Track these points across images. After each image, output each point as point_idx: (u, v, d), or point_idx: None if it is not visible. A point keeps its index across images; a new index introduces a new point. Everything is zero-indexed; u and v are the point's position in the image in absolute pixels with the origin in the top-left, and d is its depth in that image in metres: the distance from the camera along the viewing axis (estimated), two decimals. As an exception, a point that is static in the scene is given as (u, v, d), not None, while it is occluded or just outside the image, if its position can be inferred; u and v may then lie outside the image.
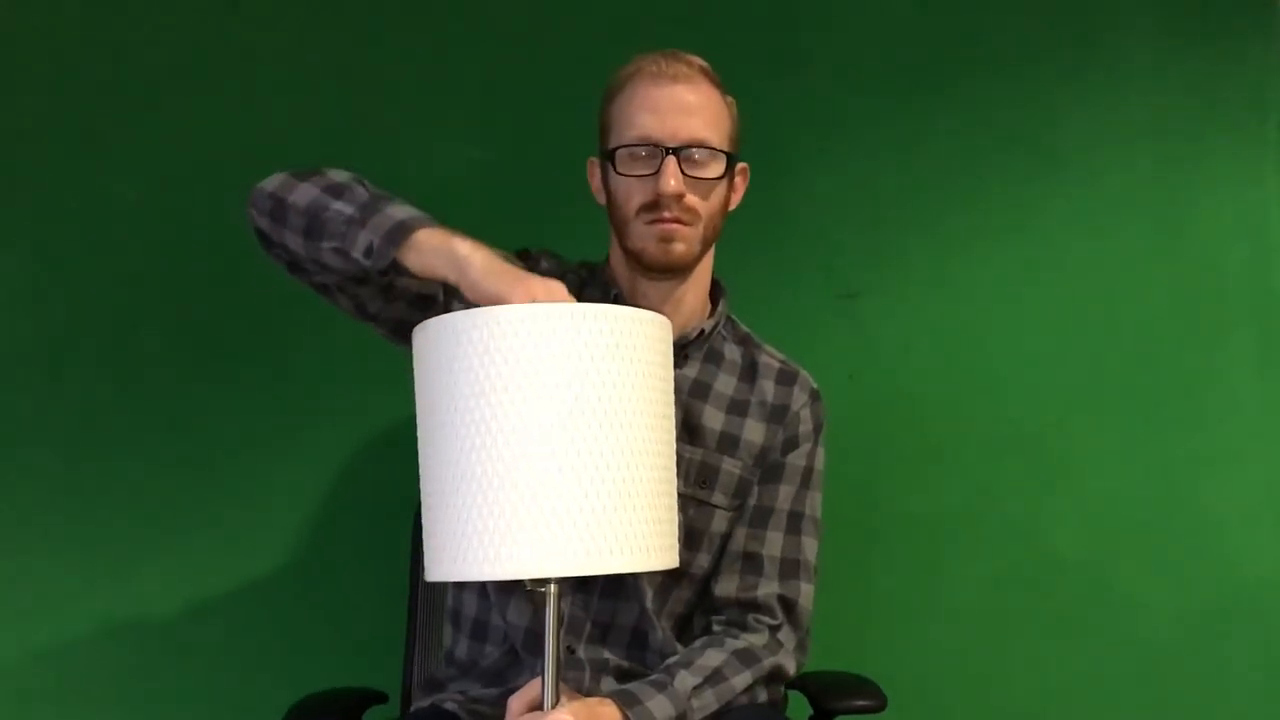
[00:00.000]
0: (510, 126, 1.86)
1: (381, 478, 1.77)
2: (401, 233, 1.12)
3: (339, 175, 1.21)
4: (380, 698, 1.47)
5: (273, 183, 1.21)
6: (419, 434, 1.09)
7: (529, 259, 1.39)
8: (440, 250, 1.11)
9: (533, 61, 1.87)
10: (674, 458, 1.11)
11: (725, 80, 1.33)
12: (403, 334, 1.25)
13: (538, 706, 1.10)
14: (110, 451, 1.75)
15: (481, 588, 1.36)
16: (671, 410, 1.11)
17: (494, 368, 1.01)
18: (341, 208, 1.16)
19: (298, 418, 1.79)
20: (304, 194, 1.18)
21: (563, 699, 1.10)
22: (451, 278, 1.10)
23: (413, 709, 1.39)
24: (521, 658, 1.33)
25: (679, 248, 1.28)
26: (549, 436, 1.00)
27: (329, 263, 1.18)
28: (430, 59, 1.85)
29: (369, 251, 1.13)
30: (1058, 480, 1.89)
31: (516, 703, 1.13)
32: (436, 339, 1.06)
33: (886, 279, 1.90)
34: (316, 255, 1.18)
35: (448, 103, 1.85)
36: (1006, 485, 1.89)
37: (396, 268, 1.13)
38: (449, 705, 1.31)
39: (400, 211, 1.14)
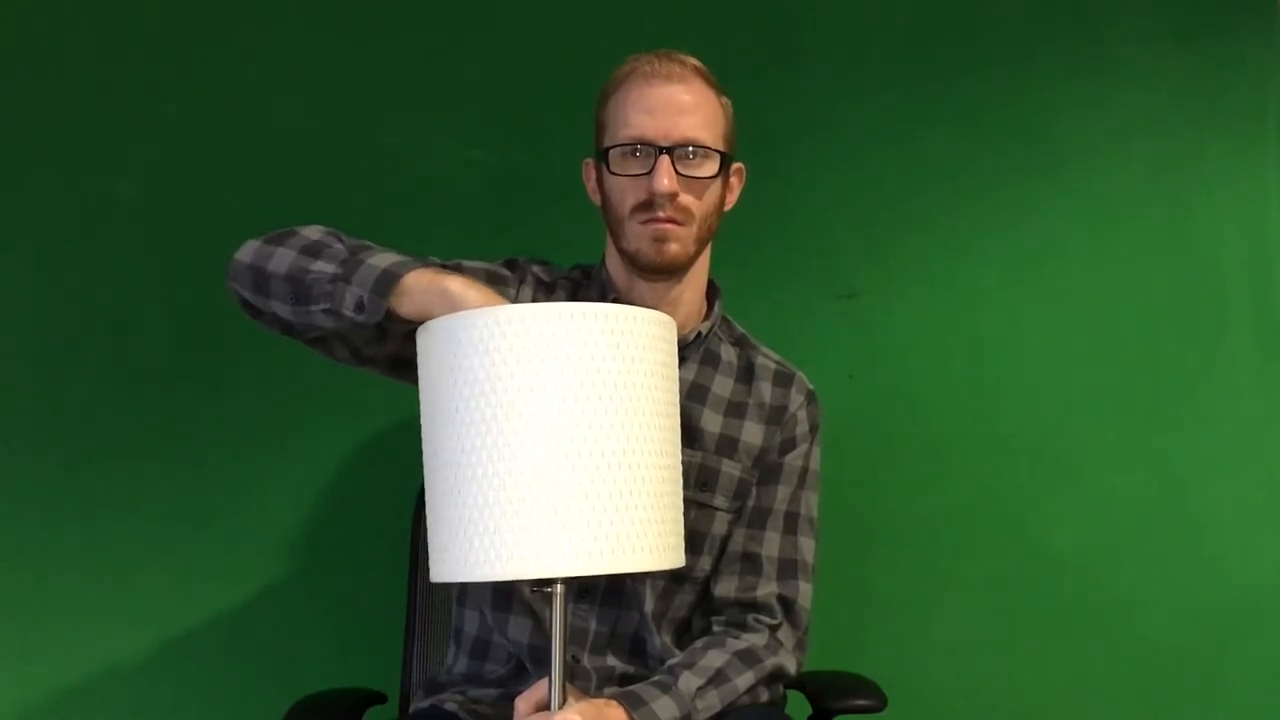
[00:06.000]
0: (509, 127, 1.86)
1: (381, 478, 1.77)
2: (389, 281, 1.11)
3: (312, 232, 1.21)
4: (379, 698, 1.47)
5: (247, 253, 1.20)
6: (423, 435, 1.09)
7: (517, 268, 1.39)
8: (431, 291, 1.10)
9: (532, 62, 1.87)
10: (678, 457, 1.11)
11: (725, 80, 1.33)
12: (400, 369, 1.25)
13: (544, 707, 1.10)
14: (110, 451, 1.75)
15: (480, 607, 1.36)
16: (676, 410, 1.11)
17: (494, 368, 1.01)
18: (323, 267, 1.15)
19: (298, 418, 1.79)
20: (282, 260, 1.17)
21: (569, 699, 1.10)
22: None
23: (412, 709, 1.39)
24: (529, 671, 1.33)
25: (673, 247, 1.28)
26: (549, 437, 0.99)
27: (321, 324, 1.17)
28: (430, 59, 1.85)
29: (360, 306, 1.12)
30: (1058, 480, 1.89)
31: (524, 704, 1.13)
32: (438, 340, 1.06)
33: (886, 279, 1.90)
34: (307, 319, 1.17)
35: (447, 103, 1.85)
36: (1006, 485, 1.89)
37: (390, 317, 1.12)
38: (449, 705, 1.31)
39: (382, 260, 1.14)
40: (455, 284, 1.10)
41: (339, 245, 1.18)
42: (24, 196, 1.77)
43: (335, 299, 1.13)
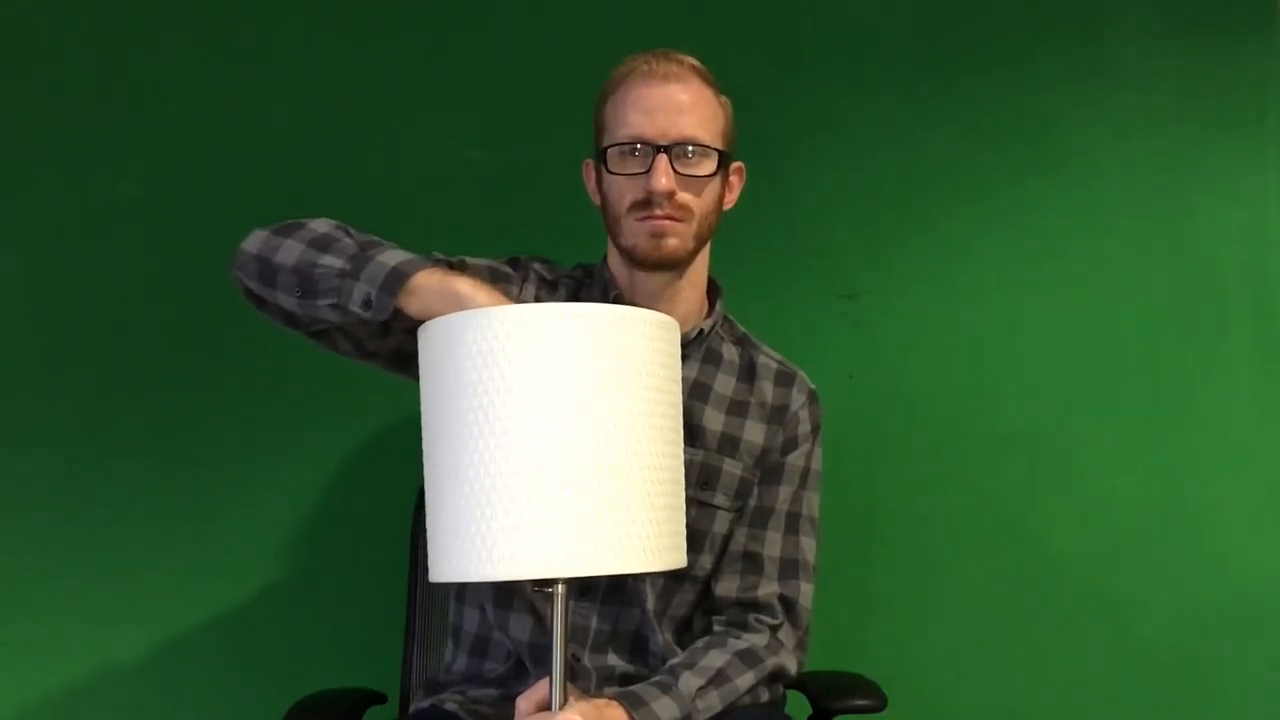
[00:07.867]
0: (510, 127, 1.86)
1: (381, 478, 1.77)
2: (398, 280, 1.11)
3: (321, 225, 1.21)
4: (379, 698, 1.47)
5: (254, 243, 1.20)
6: (424, 435, 1.09)
7: (520, 266, 1.39)
8: (440, 292, 1.10)
9: (532, 61, 1.87)
10: (680, 458, 1.11)
11: (725, 80, 1.33)
12: (402, 363, 1.25)
13: (545, 707, 1.10)
14: (110, 451, 1.75)
15: (481, 604, 1.36)
16: (678, 411, 1.11)
17: (491, 368, 1.01)
18: (331, 261, 1.15)
19: (298, 418, 1.79)
20: (290, 252, 1.17)
21: (570, 699, 1.10)
22: None
23: (412, 709, 1.39)
24: (529, 670, 1.33)
25: (671, 243, 1.28)
26: (545, 437, 0.99)
27: (326, 318, 1.17)
28: (430, 59, 1.85)
29: (367, 303, 1.12)
30: (1058, 480, 1.89)
31: (524, 703, 1.13)
32: (437, 340, 1.06)
33: (886, 279, 1.90)
34: (313, 313, 1.17)
35: (447, 103, 1.85)
36: (1006, 485, 1.89)
37: (397, 315, 1.12)
38: (449, 705, 1.31)
39: (391, 257, 1.14)
40: (464, 285, 1.10)
41: (348, 240, 1.18)
42: (24, 196, 1.77)
43: (343, 295, 1.13)
